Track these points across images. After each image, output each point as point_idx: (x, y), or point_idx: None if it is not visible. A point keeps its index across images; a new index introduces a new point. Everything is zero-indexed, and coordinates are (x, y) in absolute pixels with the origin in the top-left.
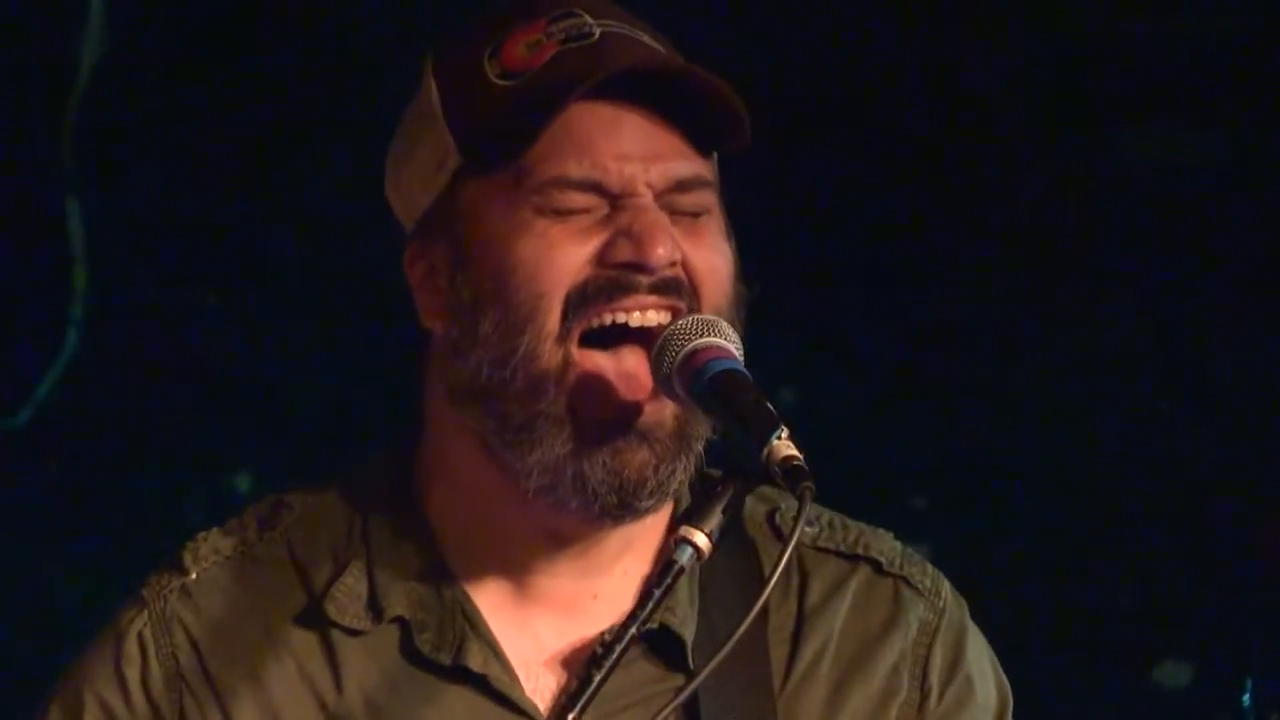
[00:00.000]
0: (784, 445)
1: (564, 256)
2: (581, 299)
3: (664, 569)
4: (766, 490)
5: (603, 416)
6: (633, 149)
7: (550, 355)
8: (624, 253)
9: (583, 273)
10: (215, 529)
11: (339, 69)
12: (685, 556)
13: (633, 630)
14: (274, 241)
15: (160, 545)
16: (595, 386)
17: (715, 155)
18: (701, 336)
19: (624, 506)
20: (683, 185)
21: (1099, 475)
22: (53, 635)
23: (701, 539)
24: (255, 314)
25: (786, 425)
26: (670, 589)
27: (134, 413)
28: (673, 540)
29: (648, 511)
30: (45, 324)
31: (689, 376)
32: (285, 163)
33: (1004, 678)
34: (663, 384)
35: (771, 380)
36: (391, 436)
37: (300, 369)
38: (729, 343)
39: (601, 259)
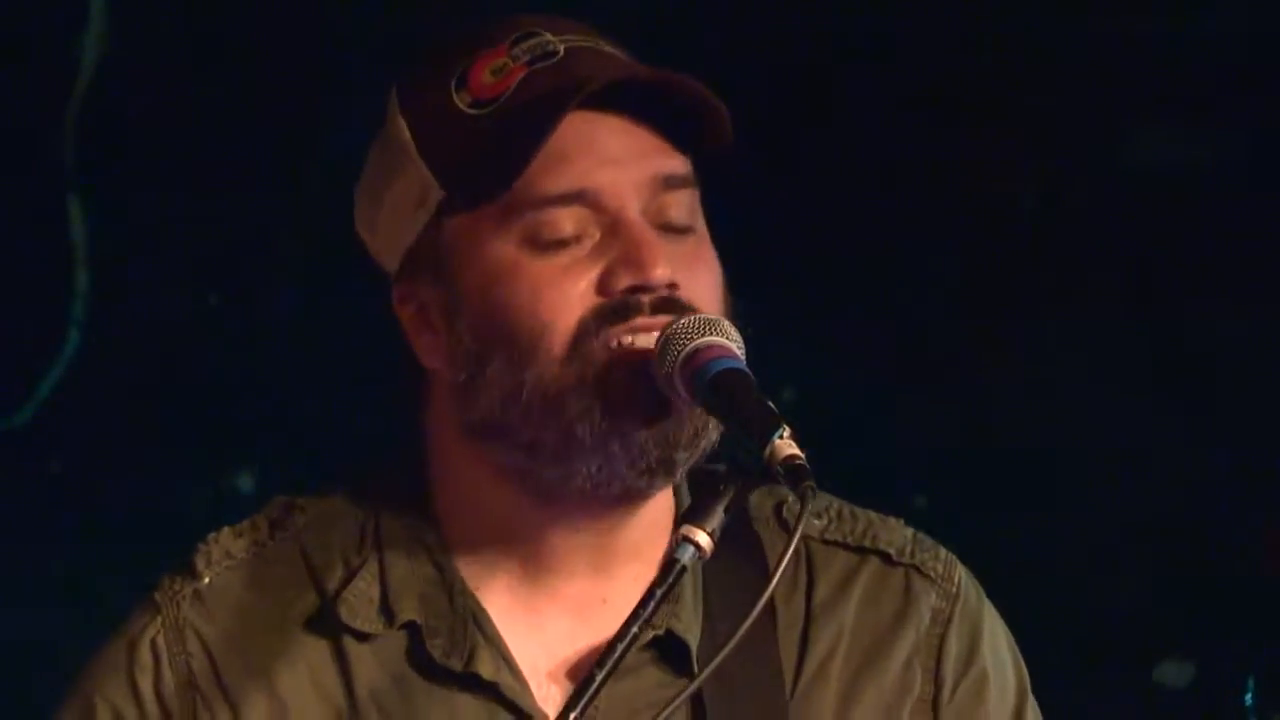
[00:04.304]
0: (786, 444)
1: (562, 293)
2: (597, 322)
3: (666, 567)
4: (776, 485)
5: (632, 391)
6: (613, 153)
7: (562, 374)
8: (624, 279)
9: (585, 302)
10: (226, 529)
11: (341, 68)
12: (687, 555)
13: (634, 629)
14: (274, 241)
15: (162, 545)
16: (619, 368)
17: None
18: (703, 335)
19: (666, 461)
20: (669, 182)
21: (1099, 475)
22: (54, 635)
23: (703, 538)
24: (256, 314)
25: (788, 425)
26: (673, 587)
27: (135, 412)
28: (674, 539)
29: (680, 466)
30: (46, 323)
31: (690, 376)
32: (286, 163)
33: (1022, 662)
34: (664, 383)
35: (772, 380)
36: (400, 437)
37: (302, 368)
38: (731, 342)
39: (602, 289)
